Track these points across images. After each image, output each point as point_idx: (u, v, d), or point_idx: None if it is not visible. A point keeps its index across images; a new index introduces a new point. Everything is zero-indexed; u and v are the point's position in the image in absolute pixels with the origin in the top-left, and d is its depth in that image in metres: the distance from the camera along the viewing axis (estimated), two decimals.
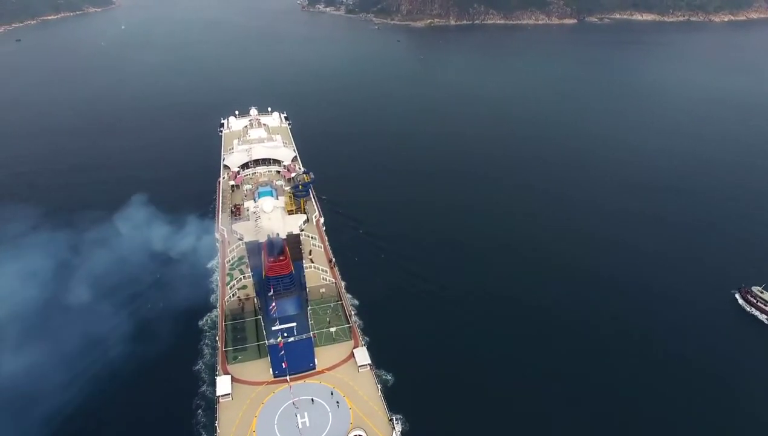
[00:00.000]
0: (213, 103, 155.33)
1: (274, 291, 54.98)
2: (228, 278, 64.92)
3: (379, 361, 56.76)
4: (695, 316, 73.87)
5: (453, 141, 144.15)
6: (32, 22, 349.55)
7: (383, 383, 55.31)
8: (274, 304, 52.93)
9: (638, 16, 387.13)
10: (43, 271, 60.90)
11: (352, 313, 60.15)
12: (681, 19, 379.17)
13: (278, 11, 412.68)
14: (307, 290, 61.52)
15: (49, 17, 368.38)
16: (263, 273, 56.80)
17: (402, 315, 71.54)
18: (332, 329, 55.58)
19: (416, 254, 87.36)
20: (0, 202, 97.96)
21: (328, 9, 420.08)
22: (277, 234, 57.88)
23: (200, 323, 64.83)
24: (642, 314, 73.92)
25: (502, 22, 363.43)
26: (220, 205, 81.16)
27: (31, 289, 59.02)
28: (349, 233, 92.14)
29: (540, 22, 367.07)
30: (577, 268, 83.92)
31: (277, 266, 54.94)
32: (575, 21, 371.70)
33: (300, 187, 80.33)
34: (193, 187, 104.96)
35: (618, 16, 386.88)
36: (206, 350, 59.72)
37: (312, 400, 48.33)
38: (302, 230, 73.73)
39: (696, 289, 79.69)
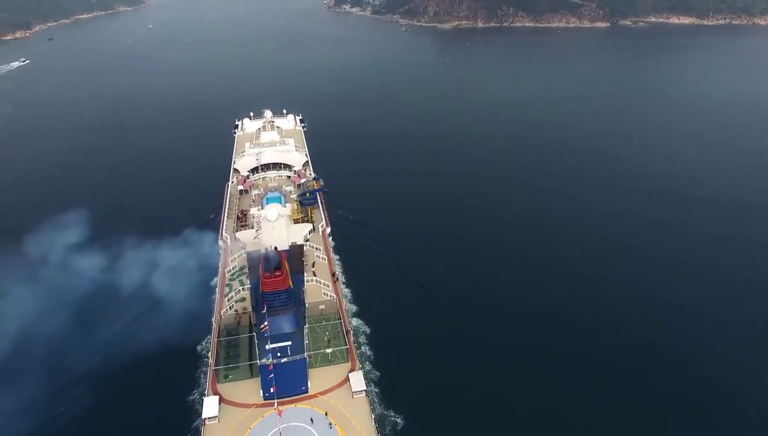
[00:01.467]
0: (231, 103, 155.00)
1: (268, 307, 52.53)
2: (227, 289, 62.73)
3: (384, 396, 54.56)
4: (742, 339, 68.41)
5: (477, 149, 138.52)
6: (66, 21, 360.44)
7: (381, 418, 52.01)
8: (266, 323, 50.42)
9: (675, 20, 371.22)
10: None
11: (352, 332, 56.90)
12: (722, 22, 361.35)
13: (304, 11, 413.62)
14: (307, 305, 59.01)
15: (82, 16, 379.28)
16: (260, 287, 54.54)
17: (412, 343, 65.49)
18: (328, 351, 52.53)
19: (434, 271, 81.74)
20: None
21: (354, 9, 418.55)
22: (274, 248, 55.49)
23: (199, 347, 60.62)
24: (682, 332, 69.42)
25: (531, 24, 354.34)
26: (226, 210, 79.30)
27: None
28: (361, 242, 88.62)
29: (571, 25, 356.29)
30: (618, 285, 79.61)
31: (273, 281, 52.47)
32: (608, 24, 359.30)
33: (308, 194, 77.94)
34: (203, 190, 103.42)
35: (653, 19, 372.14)
36: (202, 376, 56.76)
37: (301, 427, 45.43)
38: (307, 240, 71.20)
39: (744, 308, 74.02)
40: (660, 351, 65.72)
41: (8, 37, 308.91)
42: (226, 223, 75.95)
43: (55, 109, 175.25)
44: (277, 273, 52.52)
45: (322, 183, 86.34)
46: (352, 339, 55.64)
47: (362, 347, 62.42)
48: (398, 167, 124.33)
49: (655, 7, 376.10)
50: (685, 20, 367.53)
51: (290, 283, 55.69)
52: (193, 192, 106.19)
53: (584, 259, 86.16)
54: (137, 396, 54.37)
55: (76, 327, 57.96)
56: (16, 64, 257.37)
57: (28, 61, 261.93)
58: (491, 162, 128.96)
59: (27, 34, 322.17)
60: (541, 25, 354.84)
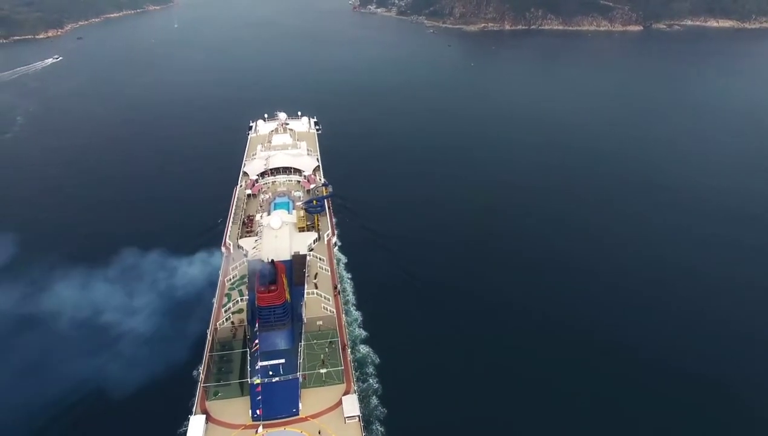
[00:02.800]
0: (250, 103, 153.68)
1: (263, 322, 50.44)
2: (225, 299, 60.98)
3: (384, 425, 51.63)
4: None
5: (502, 156, 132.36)
6: (97, 20, 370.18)
7: None
8: (256, 341, 48.26)
9: (714, 23, 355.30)
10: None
11: (349, 351, 54.16)
12: (765, 25, 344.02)
13: (329, 11, 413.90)
14: (305, 320, 56.64)
15: (112, 15, 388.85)
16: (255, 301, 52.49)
17: (421, 371, 60.56)
18: (323, 371, 49.98)
19: (451, 289, 76.98)
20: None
21: (379, 10, 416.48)
22: (270, 260, 53.26)
23: (194, 372, 55.34)
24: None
25: (560, 28, 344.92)
26: (232, 215, 77.78)
27: None
28: (372, 252, 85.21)
29: (602, 28, 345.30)
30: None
31: (268, 296, 50.27)
32: (640, 28, 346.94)
33: (314, 202, 75.67)
34: (215, 192, 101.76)
35: (690, 22, 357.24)
36: (192, 392, 54.47)
37: None
38: (311, 250, 68.92)
39: None
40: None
41: (41, 36, 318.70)
42: (231, 228, 74.39)
43: (76, 108, 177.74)
44: (272, 288, 50.29)
45: (331, 189, 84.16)
46: (349, 358, 52.90)
47: (366, 371, 59.43)
48: (416, 174, 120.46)
49: (692, 10, 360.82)
50: (725, 23, 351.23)
51: (287, 297, 53.41)
52: (204, 194, 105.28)
53: (618, 273, 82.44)
54: (125, 412, 52.77)
55: (67, 335, 56.80)
56: (50, 60, 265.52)
57: (61, 58, 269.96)
58: (516, 170, 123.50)
59: (59, 33, 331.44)
60: (570, 28, 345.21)
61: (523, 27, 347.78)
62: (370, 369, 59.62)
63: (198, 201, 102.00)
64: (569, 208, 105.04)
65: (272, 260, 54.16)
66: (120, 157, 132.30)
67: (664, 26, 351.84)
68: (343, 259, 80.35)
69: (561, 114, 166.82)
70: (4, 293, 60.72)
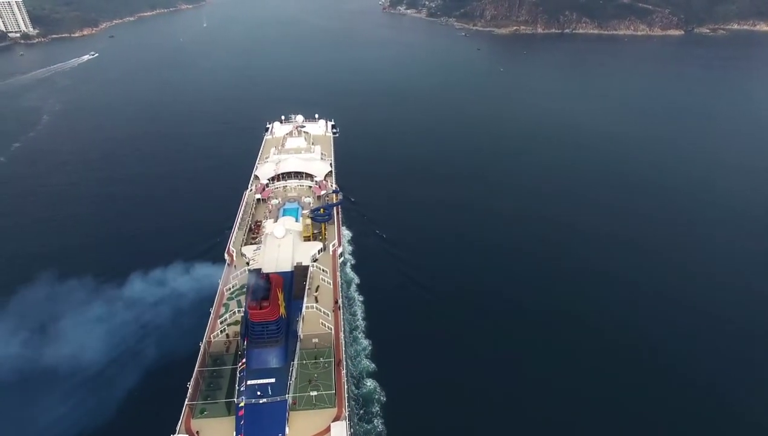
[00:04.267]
0: (270, 104, 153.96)
1: (256, 338, 48.17)
2: (223, 309, 58.95)
3: None
4: None
5: (528, 167, 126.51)
6: (131, 19, 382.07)
7: None
8: (243, 360, 45.99)
9: (764, 27, 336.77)
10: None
11: (344, 373, 51.29)
12: None
13: (359, 12, 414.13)
14: (301, 336, 54.11)
15: (146, 14, 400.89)
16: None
17: (430, 402, 56.80)
18: (313, 393, 47.30)
19: (465, 306, 72.80)
20: None
21: (409, 11, 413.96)
22: (265, 275, 50.87)
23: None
24: None
25: (595, 32, 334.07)
26: (238, 220, 75.98)
27: None
28: (387, 265, 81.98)
29: (639, 33, 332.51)
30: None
31: (260, 313, 47.92)
32: (681, 32, 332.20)
33: (321, 210, 73.10)
34: (227, 196, 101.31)
35: (736, 26, 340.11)
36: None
37: None
38: (315, 260, 66.37)
39: None
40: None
41: (77, 35, 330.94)
42: (236, 234, 72.44)
43: (100, 107, 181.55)
44: (264, 304, 47.91)
45: (341, 197, 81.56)
46: (343, 380, 49.92)
47: (371, 410, 55.91)
48: (436, 182, 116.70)
49: (739, 13, 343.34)
50: None
51: (282, 312, 51.00)
52: (217, 197, 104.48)
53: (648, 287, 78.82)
54: (109, 430, 51.32)
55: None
56: (86, 57, 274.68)
57: (97, 54, 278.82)
58: (545, 181, 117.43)
59: (93, 31, 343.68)
60: (606, 32, 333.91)
61: (556, 31, 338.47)
62: (375, 408, 55.32)
63: (210, 204, 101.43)
64: (609, 223, 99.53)
65: (267, 274, 51.77)
66: (136, 156, 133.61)
67: (708, 30, 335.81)
68: (356, 278, 76.68)
69: (595, 125, 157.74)
70: None
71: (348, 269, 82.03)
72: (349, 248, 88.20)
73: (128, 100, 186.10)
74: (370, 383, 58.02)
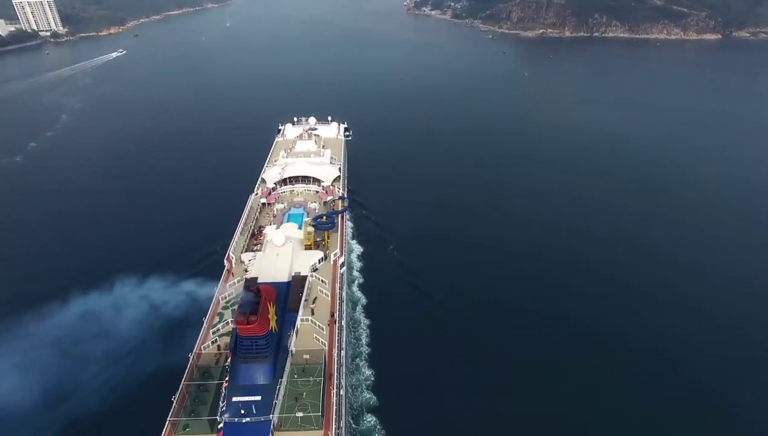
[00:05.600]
0: (286, 104, 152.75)
1: (241, 354, 46.15)
2: (217, 319, 57.10)
3: None
4: None
5: (551, 181, 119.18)
6: (157, 17, 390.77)
7: None
8: (227, 378, 44.01)
9: None
10: None
11: (335, 393, 48.75)
12: None
13: (384, 12, 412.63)
14: (293, 350, 51.85)
15: (172, 13, 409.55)
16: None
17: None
18: (299, 414, 44.94)
19: (480, 328, 68.11)
20: None
21: (433, 12, 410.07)
22: (256, 288, 48.75)
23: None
24: None
25: (625, 35, 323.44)
26: (241, 225, 74.32)
27: None
28: (396, 279, 78.13)
29: (673, 37, 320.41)
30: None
31: (247, 328, 45.85)
32: (718, 36, 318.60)
33: (324, 218, 70.87)
34: (231, 202, 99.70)
35: None
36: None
37: None
38: (315, 270, 64.12)
39: None
40: None
41: (104, 33, 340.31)
42: (237, 240, 70.71)
43: (117, 106, 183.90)
44: (252, 318, 45.82)
45: (346, 204, 79.12)
46: (333, 400, 47.45)
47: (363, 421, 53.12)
48: (453, 190, 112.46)
49: None
50: None
51: (273, 326, 48.87)
52: (224, 201, 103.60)
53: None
54: None
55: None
56: (114, 54, 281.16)
57: (125, 51, 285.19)
58: (571, 194, 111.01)
59: (120, 30, 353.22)
60: (637, 36, 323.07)
61: (585, 34, 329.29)
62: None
63: (220, 205, 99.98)
64: (639, 234, 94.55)
65: (257, 287, 49.70)
66: (148, 158, 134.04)
67: (748, 34, 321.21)
68: (363, 299, 72.56)
69: (625, 136, 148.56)
70: None
71: (355, 288, 78.15)
72: (358, 265, 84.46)
73: (145, 100, 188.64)
74: (370, 419, 53.88)
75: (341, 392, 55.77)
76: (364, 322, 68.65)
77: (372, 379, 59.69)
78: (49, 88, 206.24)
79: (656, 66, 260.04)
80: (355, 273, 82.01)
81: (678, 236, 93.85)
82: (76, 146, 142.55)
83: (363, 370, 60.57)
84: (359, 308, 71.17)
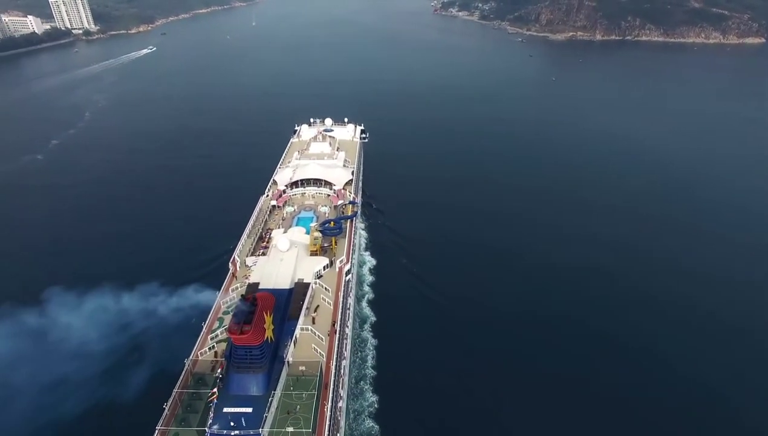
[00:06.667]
0: (305, 104, 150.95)
1: (234, 363, 44.79)
2: (216, 324, 55.97)
3: None
4: None
5: (576, 194, 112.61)
6: (186, 16, 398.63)
7: None
8: (214, 390, 42.62)
9: None
10: None
11: (329, 408, 46.78)
12: None
13: (410, 13, 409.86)
14: (291, 361, 50.20)
15: (201, 11, 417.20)
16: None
17: None
18: (289, 429, 43.15)
19: (498, 348, 63.79)
20: None
21: (460, 13, 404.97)
22: (252, 297, 47.24)
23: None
24: None
25: (660, 39, 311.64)
26: (249, 227, 73.22)
27: None
28: (411, 299, 73.84)
29: (711, 41, 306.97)
30: None
31: (240, 337, 44.41)
32: (762, 40, 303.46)
33: (332, 223, 69.13)
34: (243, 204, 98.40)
35: None
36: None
37: None
38: (320, 278, 62.41)
39: None
40: None
41: (133, 31, 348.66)
42: (244, 243, 69.59)
43: (139, 103, 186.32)
44: (246, 328, 44.35)
45: (356, 209, 77.21)
46: (326, 415, 45.53)
47: None
48: (473, 198, 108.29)
49: None
50: None
51: (269, 335, 47.32)
52: (240, 199, 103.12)
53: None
54: None
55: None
56: (144, 51, 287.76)
57: (155, 48, 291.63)
58: (593, 212, 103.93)
59: (149, 28, 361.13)
60: (672, 40, 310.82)
61: (617, 37, 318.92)
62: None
63: (234, 205, 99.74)
64: (673, 247, 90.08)
65: (254, 296, 48.25)
66: (165, 156, 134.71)
67: None
68: (372, 317, 69.24)
69: (657, 148, 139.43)
70: None
71: (365, 304, 75.05)
72: (370, 279, 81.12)
73: (167, 98, 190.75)
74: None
75: (340, 405, 53.95)
76: (372, 342, 65.06)
77: (376, 406, 56.45)
78: (77, 85, 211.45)
79: (693, 71, 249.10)
80: (366, 288, 78.82)
81: (721, 253, 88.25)
82: (94, 146, 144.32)
83: (367, 395, 57.60)
84: (367, 327, 67.66)
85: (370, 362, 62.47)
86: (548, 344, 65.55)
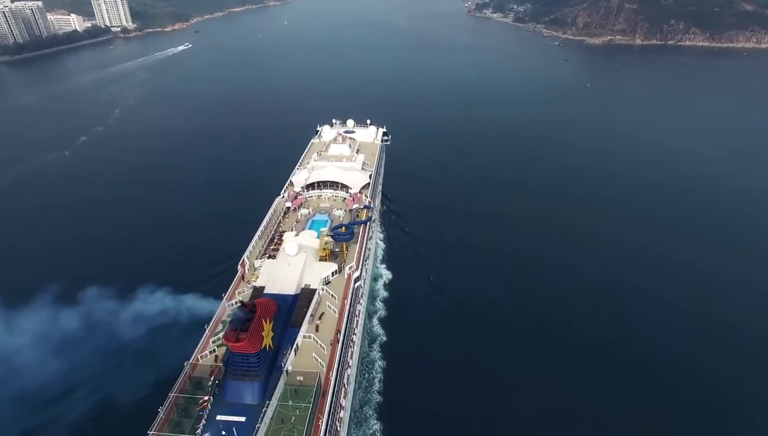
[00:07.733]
0: (330, 105, 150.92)
1: (231, 369, 43.75)
2: (220, 326, 55.06)
3: None
4: None
5: (607, 208, 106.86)
6: (220, 14, 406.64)
7: None
8: (205, 397, 41.52)
9: None
10: None
11: (324, 423, 44.94)
12: None
13: (443, 14, 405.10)
14: (289, 369, 48.63)
15: (235, 9, 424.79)
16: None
17: None
18: None
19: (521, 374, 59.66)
20: None
21: (494, 15, 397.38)
22: (251, 303, 45.95)
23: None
24: None
25: (705, 44, 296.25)
26: (261, 229, 72.35)
27: None
28: (426, 319, 71.02)
29: (762, 45, 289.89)
30: None
31: (236, 345, 43.22)
32: None
33: (343, 228, 67.42)
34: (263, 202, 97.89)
35: None
36: None
37: None
38: (327, 284, 60.79)
39: None
40: None
41: (168, 29, 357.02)
42: (255, 244, 68.74)
43: (168, 100, 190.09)
44: (242, 335, 43.10)
45: (370, 214, 75.26)
46: (321, 430, 43.74)
47: None
48: (499, 207, 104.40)
49: None
50: None
51: (267, 343, 46.01)
52: (259, 200, 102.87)
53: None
54: None
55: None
56: (180, 47, 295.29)
57: (191, 45, 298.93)
58: (626, 227, 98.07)
59: (184, 26, 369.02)
60: (719, 44, 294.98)
61: (658, 42, 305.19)
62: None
63: (252, 205, 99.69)
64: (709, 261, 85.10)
65: (253, 302, 46.98)
66: (191, 155, 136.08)
67: None
68: (382, 336, 66.20)
69: (699, 162, 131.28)
70: None
71: (375, 322, 72.51)
72: (384, 294, 78.51)
73: (194, 96, 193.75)
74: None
75: (341, 415, 52.17)
76: (380, 363, 62.10)
77: (379, 431, 54.17)
78: (111, 82, 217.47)
79: (744, 78, 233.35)
80: (379, 304, 76.21)
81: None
82: (119, 144, 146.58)
83: (371, 421, 55.20)
84: (376, 346, 64.78)
85: (376, 385, 59.53)
86: (584, 373, 60.40)
